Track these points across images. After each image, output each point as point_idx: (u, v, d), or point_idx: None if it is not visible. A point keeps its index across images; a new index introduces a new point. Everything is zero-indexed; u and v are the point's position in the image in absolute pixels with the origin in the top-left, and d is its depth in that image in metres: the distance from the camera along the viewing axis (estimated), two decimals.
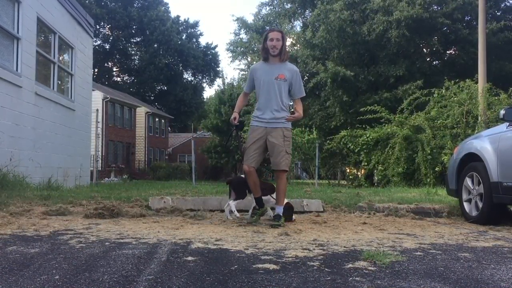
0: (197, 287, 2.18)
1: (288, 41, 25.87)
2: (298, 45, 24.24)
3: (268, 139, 4.61)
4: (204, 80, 60.04)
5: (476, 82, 12.82)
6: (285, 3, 26.43)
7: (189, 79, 58.70)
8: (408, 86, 19.35)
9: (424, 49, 24.18)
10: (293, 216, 4.92)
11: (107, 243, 3.31)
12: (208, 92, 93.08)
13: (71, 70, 11.42)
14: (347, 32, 21.11)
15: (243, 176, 4.89)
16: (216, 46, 67.36)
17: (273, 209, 4.82)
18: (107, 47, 54.14)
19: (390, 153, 13.22)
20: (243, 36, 27.84)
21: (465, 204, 5.32)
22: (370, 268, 2.62)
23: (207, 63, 57.34)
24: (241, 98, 4.99)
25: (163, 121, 43.72)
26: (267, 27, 26.59)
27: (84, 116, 12.23)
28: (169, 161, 40.39)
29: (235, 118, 4.85)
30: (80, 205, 5.65)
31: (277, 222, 4.45)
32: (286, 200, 4.88)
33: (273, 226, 4.37)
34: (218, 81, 54.78)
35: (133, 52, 56.52)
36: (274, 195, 4.84)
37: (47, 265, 2.56)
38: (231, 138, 4.98)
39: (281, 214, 4.58)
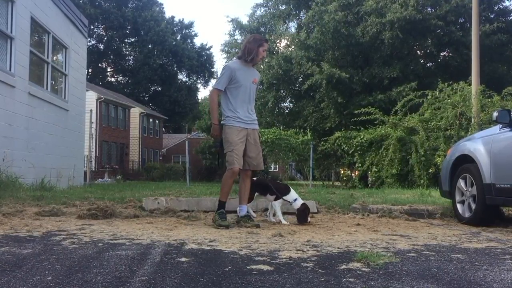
0: None
1: (283, 42, 25.92)
2: (293, 46, 24.25)
3: (249, 140, 4.68)
4: (199, 81, 59.92)
5: (470, 84, 12.86)
6: (279, 4, 26.41)
7: (184, 79, 58.56)
8: (402, 87, 19.38)
9: (418, 51, 24.27)
10: (309, 218, 4.88)
11: (100, 244, 3.30)
12: (203, 93, 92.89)
13: (65, 70, 11.37)
14: (341, 33, 21.14)
15: (254, 178, 5.00)
16: (211, 47, 67.32)
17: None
18: (101, 47, 53.88)
19: (384, 154, 13.26)
20: (238, 37, 27.79)
21: (458, 206, 5.35)
22: (363, 269, 2.62)
23: (201, 64, 57.19)
24: (216, 98, 4.71)
25: (157, 121, 43.59)
26: (262, 28, 26.59)
27: (77, 117, 12.17)
28: (163, 162, 40.25)
29: (218, 135, 4.67)
30: (73, 205, 5.63)
31: (253, 223, 4.49)
32: (301, 201, 4.92)
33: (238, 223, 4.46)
34: (213, 82, 54.66)
35: (127, 53, 56.29)
36: (286, 197, 4.92)
37: (39, 266, 2.55)
38: (221, 158, 4.75)
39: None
